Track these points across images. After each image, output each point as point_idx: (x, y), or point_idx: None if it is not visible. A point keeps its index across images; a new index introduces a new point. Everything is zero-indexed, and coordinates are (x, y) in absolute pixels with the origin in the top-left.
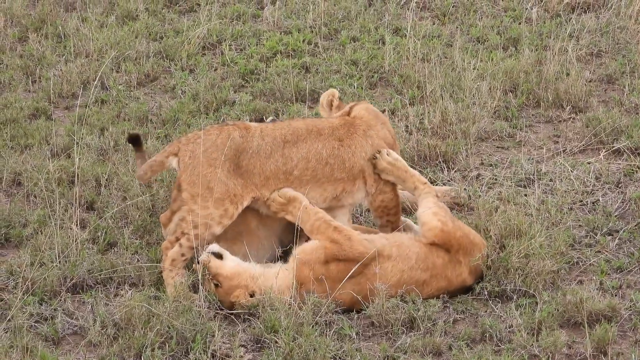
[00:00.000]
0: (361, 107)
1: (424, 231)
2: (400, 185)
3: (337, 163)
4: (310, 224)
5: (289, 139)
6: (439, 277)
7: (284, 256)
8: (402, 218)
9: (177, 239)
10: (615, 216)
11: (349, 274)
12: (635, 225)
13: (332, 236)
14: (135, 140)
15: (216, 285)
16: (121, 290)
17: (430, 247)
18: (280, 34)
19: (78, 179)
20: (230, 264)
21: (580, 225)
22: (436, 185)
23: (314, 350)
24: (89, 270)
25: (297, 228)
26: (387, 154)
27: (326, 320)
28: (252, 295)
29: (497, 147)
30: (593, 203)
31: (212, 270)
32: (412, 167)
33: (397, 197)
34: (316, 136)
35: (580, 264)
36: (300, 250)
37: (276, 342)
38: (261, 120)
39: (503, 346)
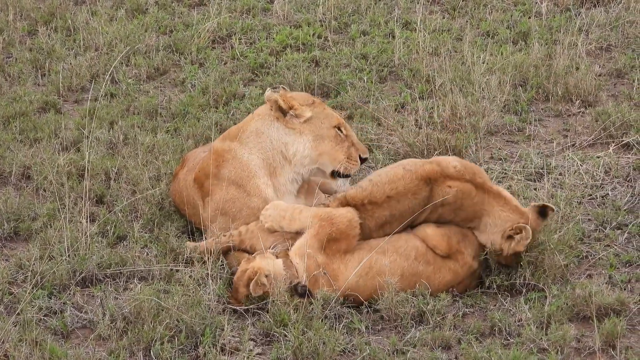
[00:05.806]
0: None
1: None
2: None
3: None
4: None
5: None
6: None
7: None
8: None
9: None
10: (625, 210)
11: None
12: None
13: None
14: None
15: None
16: (130, 284)
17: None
18: (290, 27)
19: (87, 173)
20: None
21: (589, 219)
22: None
23: (323, 344)
24: (98, 264)
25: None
26: None
27: (335, 314)
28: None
29: (507, 141)
30: (602, 197)
31: None
32: None
33: None
34: None
35: (590, 257)
36: (295, 248)
37: (285, 336)
38: None
39: (512, 340)
